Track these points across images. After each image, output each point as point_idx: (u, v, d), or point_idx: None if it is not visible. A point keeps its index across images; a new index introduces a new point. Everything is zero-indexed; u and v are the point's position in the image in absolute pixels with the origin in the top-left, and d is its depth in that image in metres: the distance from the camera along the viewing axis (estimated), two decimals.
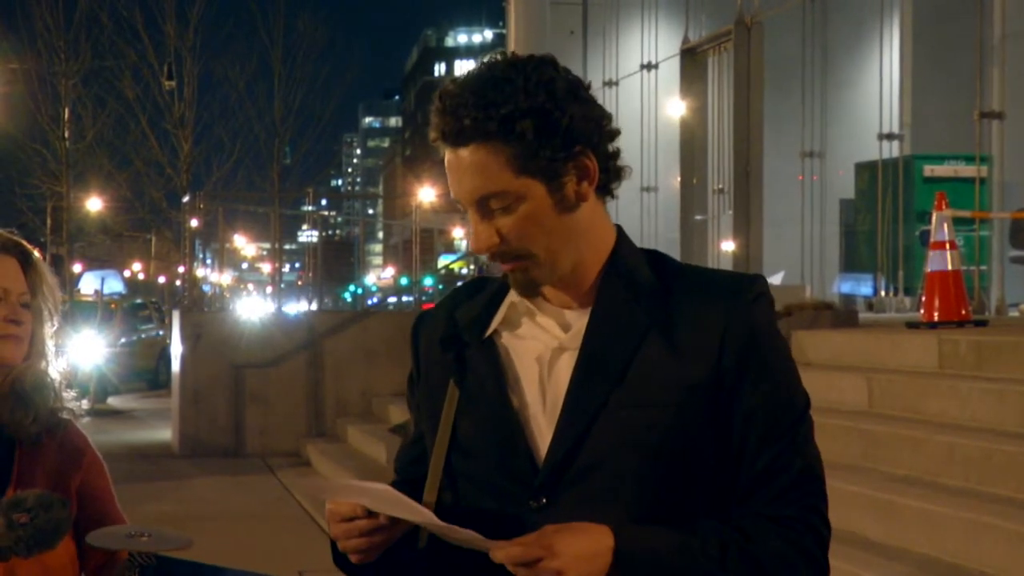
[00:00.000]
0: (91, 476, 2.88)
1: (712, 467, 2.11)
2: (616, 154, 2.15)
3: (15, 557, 2.58)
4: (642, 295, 2.14)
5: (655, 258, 2.21)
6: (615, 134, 2.15)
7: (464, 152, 2.08)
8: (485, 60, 2.14)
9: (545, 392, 2.14)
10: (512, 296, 2.20)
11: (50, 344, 2.93)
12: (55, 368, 2.94)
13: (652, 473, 2.07)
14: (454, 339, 2.22)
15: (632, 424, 2.08)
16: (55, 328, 2.95)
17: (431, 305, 2.52)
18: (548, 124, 2.06)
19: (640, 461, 2.07)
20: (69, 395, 2.96)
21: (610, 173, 2.15)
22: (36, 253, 2.95)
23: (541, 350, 2.16)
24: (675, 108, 15.22)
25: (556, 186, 2.09)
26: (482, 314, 2.22)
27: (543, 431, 2.12)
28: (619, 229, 2.21)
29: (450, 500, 2.18)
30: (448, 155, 2.11)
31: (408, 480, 2.31)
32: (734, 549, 2.03)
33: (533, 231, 2.09)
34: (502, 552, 1.96)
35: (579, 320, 2.15)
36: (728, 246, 14.76)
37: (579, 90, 2.11)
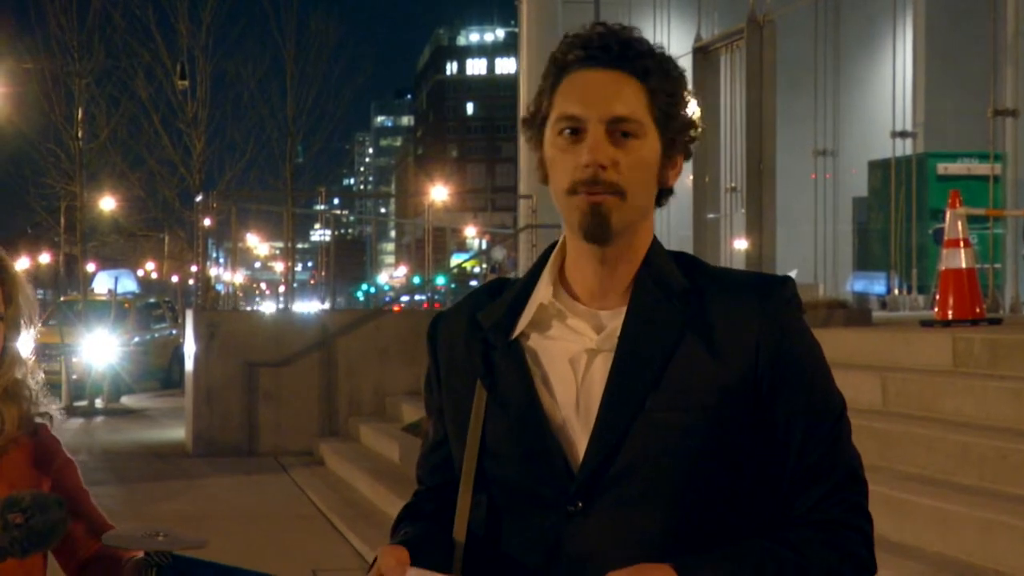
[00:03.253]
0: (62, 478, 2.87)
1: (749, 470, 2.10)
2: (689, 156, 2.21)
3: (9, 558, 2.57)
4: (676, 297, 2.12)
5: (685, 260, 2.20)
6: (690, 156, 2.22)
7: (615, 73, 2.09)
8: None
9: (579, 394, 2.12)
10: (541, 298, 2.17)
11: (25, 353, 2.90)
12: (32, 376, 2.92)
13: (690, 476, 2.06)
14: (480, 341, 2.20)
15: (670, 427, 2.06)
16: (32, 336, 2.92)
17: (438, 305, 2.50)
18: (685, 102, 2.15)
19: (678, 464, 2.05)
20: (47, 401, 2.93)
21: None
22: (9, 261, 2.92)
23: (574, 352, 2.14)
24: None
25: (666, 154, 2.14)
26: (507, 315, 2.19)
27: (577, 434, 2.10)
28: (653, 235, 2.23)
29: (483, 505, 2.16)
30: (587, 73, 2.10)
31: (434, 487, 2.29)
32: (790, 570, 2.02)
33: (638, 174, 2.10)
34: None
35: (612, 321, 2.13)
36: (741, 244, 14.74)
37: None
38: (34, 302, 2.94)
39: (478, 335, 2.21)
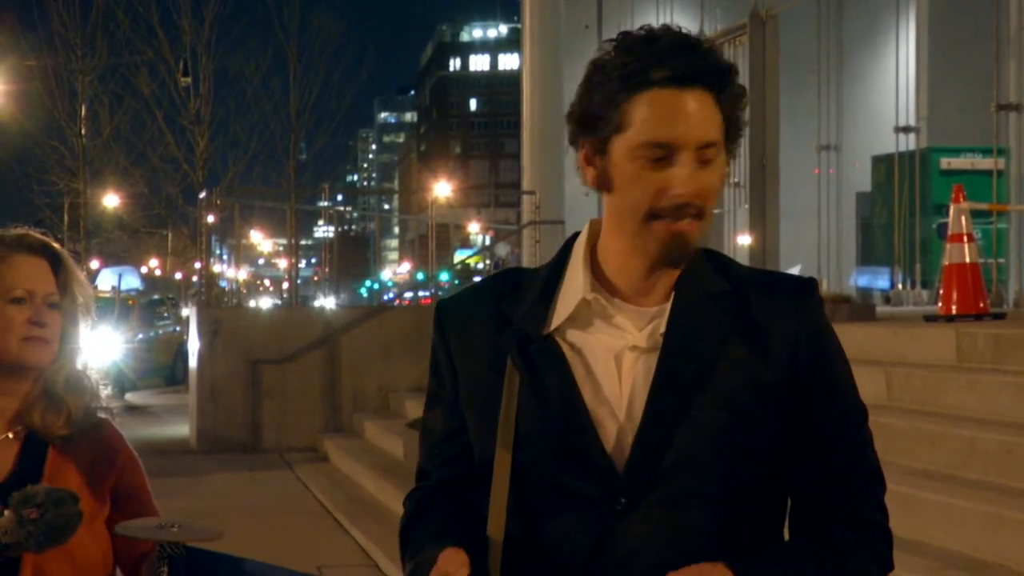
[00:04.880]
0: (126, 475, 2.87)
1: (784, 467, 2.12)
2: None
3: (25, 552, 2.58)
4: (717, 296, 2.12)
5: (713, 257, 2.19)
6: None
7: (698, 92, 2.04)
8: (666, 27, 2.10)
9: (623, 392, 2.10)
10: (581, 292, 2.13)
11: (84, 343, 2.90)
12: (93, 368, 2.92)
13: (733, 474, 2.07)
14: (512, 333, 2.15)
15: (715, 426, 2.06)
16: (90, 327, 2.92)
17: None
18: (745, 108, 2.11)
19: (722, 462, 2.06)
20: (106, 393, 2.95)
21: None
22: (64, 252, 2.92)
23: (617, 348, 2.12)
24: None
25: (727, 161, 2.11)
26: (537, 308, 2.16)
27: (621, 431, 2.09)
28: None
29: (515, 499, 2.13)
30: (673, 93, 2.03)
31: (445, 480, 2.25)
32: (830, 570, 2.06)
33: (715, 192, 2.09)
34: None
35: (656, 319, 2.12)
36: (744, 240, 14.72)
37: None
38: (90, 292, 2.93)
39: (507, 327, 2.16)
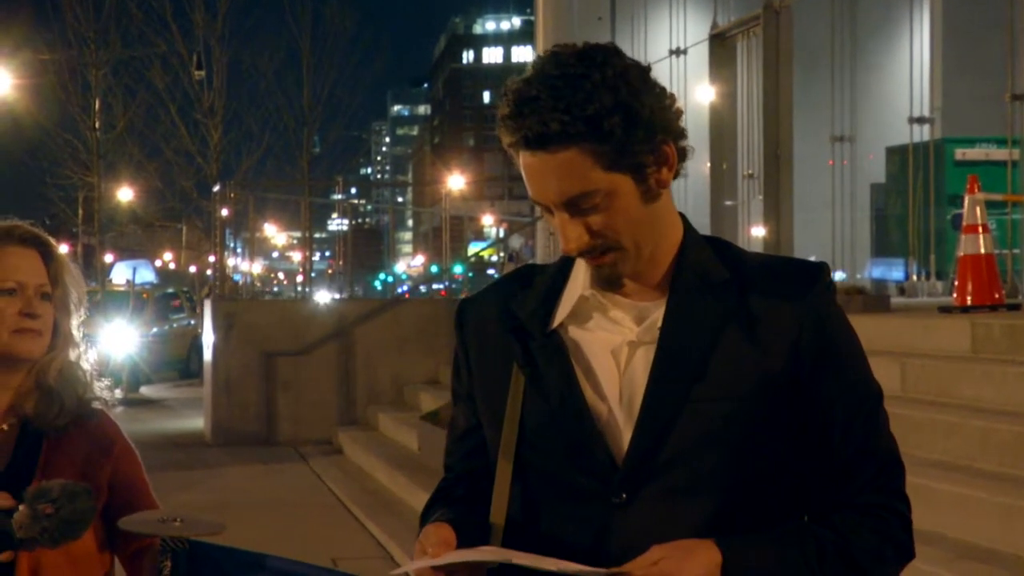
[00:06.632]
0: (122, 465, 2.86)
1: (791, 456, 2.10)
2: (683, 134, 2.11)
3: (40, 548, 2.58)
4: (716, 286, 2.11)
5: (720, 246, 2.19)
6: (681, 114, 2.11)
7: (549, 155, 2.01)
8: (549, 52, 2.06)
9: (622, 386, 2.11)
10: (582, 290, 2.15)
11: (77, 334, 2.90)
12: (86, 358, 2.92)
13: (734, 466, 2.06)
14: (516, 331, 2.18)
15: (715, 417, 2.06)
16: (82, 318, 2.92)
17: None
18: (633, 118, 2.01)
19: (723, 454, 2.06)
20: (101, 384, 2.94)
21: (681, 155, 2.12)
22: (54, 243, 2.93)
23: (615, 343, 2.13)
24: (704, 94, 15.16)
25: (642, 177, 2.05)
26: (542, 306, 2.18)
27: (621, 426, 2.10)
28: (683, 216, 2.18)
29: (519, 494, 2.15)
30: (528, 159, 2.04)
31: (464, 474, 2.28)
32: (831, 551, 2.04)
33: (623, 225, 2.05)
34: None
35: (653, 313, 2.12)
36: (758, 231, 14.70)
37: (648, 76, 2.07)
38: (81, 284, 2.94)
39: (513, 325, 2.19)
